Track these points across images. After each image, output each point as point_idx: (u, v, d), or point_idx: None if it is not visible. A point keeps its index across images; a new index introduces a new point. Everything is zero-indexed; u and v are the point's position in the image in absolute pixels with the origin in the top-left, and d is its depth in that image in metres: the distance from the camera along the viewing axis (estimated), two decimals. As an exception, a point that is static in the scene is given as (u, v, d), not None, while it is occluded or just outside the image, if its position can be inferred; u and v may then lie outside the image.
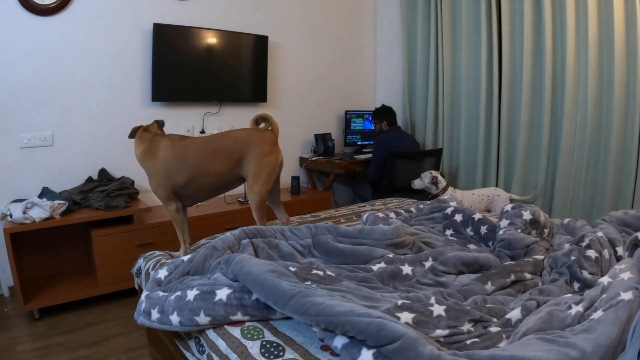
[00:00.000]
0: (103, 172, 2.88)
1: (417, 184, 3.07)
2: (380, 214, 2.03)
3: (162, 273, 1.53)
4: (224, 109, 3.43)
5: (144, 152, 1.96)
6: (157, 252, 1.87)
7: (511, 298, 1.35)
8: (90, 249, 2.57)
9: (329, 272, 1.43)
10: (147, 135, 2.01)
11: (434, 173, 3.02)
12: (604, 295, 1.13)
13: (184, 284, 1.43)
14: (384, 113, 3.51)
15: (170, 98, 3.13)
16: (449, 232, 1.94)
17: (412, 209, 2.21)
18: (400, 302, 1.19)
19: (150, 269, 1.73)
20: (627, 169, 2.82)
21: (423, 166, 3.33)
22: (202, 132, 3.32)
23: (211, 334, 1.26)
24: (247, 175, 1.98)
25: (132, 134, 2.04)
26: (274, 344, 1.15)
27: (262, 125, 2.11)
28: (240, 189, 3.26)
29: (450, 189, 3.01)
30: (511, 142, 3.42)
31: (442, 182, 3.00)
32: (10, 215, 2.30)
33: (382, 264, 1.55)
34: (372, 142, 4.17)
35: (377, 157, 3.37)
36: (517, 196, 3.15)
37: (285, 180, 3.32)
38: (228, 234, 1.62)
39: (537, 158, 3.26)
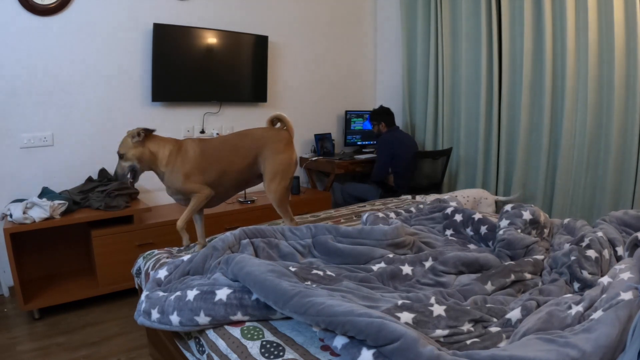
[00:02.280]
0: (103, 172, 2.88)
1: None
2: (380, 214, 2.03)
3: (162, 273, 1.53)
4: (224, 109, 3.43)
5: (173, 152, 1.94)
6: (157, 251, 1.87)
7: (511, 298, 1.35)
8: (90, 249, 2.57)
9: (329, 272, 1.43)
10: (166, 139, 1.98)
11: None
12: (604, 295, 1.13)
13: (184, 284, 1.42)
14: (382, 114, 3.51)
15: (170, 98, 3.13)
16: (449, 232, 1.94)
17: (412, 209, 2.21)
18: (400, 302, 1.19)
19: (150, 269, 1.73)
20: (627, 169, 2.82)
21: (438, 165, 3.36)
22: (202, 132, 3.32)
23: (211, 334, 1.26)
24: (264, 174, 2.02)
25: (138, 134, 1.89)
26: (274, 344, 1.15)
27: (278, 125, 2.15)
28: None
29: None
30: (511, 142, 3.42)
31: None
32: (10, 215, 2.30)
33: (382, 264, 1.55)
34: (372, 142, 4.17)
35: (383, 158, 3.36)
36: (502, 197, 3.16)
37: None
38: (228, 234, 1.62)
39: (537, 158, 3.26)
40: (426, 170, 3.32)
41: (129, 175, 1.94)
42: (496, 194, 3.58)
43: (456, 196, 2.93)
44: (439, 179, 3.50)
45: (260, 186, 2.21)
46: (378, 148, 3.44)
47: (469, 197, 2.94)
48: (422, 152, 3.25)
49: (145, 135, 1.92)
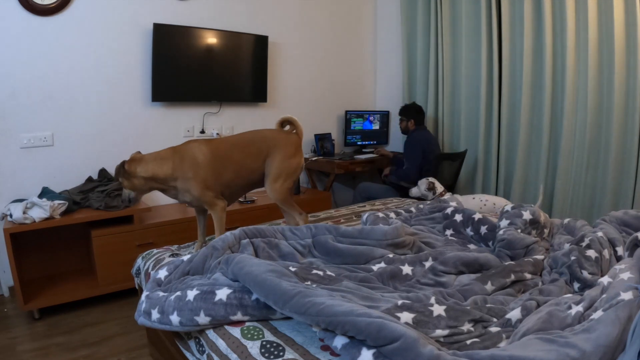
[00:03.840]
0: (103, 172, 2.88)
1: (414, 192, 2.96)
2: (380, 214, 2.03)
3: (162, 273, 1.53)
4: (224, 109, 3.43)
5: (176, 164, 1.86)
6: (155, 250, 1.87)
7: (511, 298, 1.35)
8: (90, 249, 2.57)
9: (329, 272, 1.43)
10: (161, 154, 1.90)
11: (430, 179, 2.92)
12: (604, 295, 1.13)
13: (184, 284, 1.43)
14: (414, 111, 3.41)
15: (170, 98, 3.13)
16: (449, 232, 1.94)
17: (412, 209, 2.21)
18: (400, 302, 1.19)
19: (150, 269, 1.73)
20: (627, 169, 2.82)
21: (454, 167, 3.30)
22: (202, 132, 3.32)
23: (211, 334, 1.26)
24: (268, 173, 2.01)
25: (119, 172, 1.84)
26: (274, 344, 1.15)
27: (287, 127, 2.15)
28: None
29: (449, 194, 2.86)
30: (511, 142, 3.42)
31: (439, 188, 2.89)
32: (10, 215, 2.30)
33: (382, 264, 1.55)
34: (371, 142, 4.17)
35: (415, 157, 3.21)
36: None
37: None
38: (228, 233, 1.62)
39: (537, 158, 3.26)
40: (443, 173, 3.24)
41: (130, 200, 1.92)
42: (496, 194, 3.58)
43: (473, 198, 2.78)
44: (453, 181, 3.41)
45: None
46: (409, 147, 3.30)
47: (487, 201, 2.73)
48: (443, 154, 3.18)
49: (128, 167, 1.82)
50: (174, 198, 1.98)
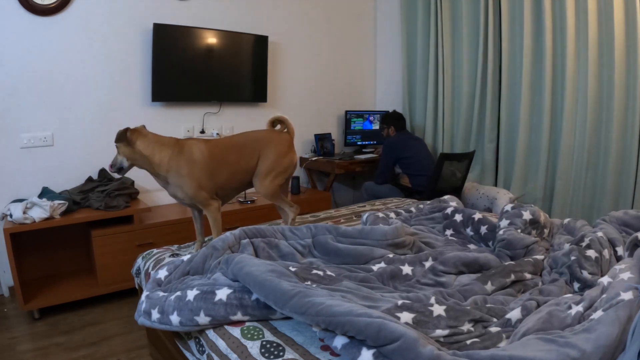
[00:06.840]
0: (103, 172, 2.88)
1: None
2: (380, 214, 2.03)
3: (162, 273, 1.53)
4: (224, 109, 3.43)
5: (173, 155, 1.86)
6: (155, 250, 1.87)
7: (511, 298, 1.35)
8: (90, 249, 2.57)
9: (329, 272, 1.43)
10: (163, 140, 1.89)
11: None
12: (604, 295, 1.13)
13: (184, 284, 1.43)
14: (393, 119, 3.48)
15: (170, 98, 3.13)
16: (449, 232, 1.94)
17: (412, 209, 2.21)
18: (400, 302, 1.19)
19: (150, 269, 1.73)
20: (627, 169, 2.82)
21: (460, 168, 3.28)
22: (202, 132, 3.32)
23: (211, 334, 1.26)
24: (259, 170, 2.03)
25: (120, 137, 1.83)
26: (274, 344, 1.15)
27: (278, 127, 2.17)
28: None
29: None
30: (511, 142, 3.42)
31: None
32: (10, 215, 2.30)
33: (382, 264, 1.56)
34: (371, 142, 4.17)
35: (384, 161, 3.32)
36: (515, 194, 3.15)
37: (285, 180, 3.31)
38: (228, 233, 1.62)
39: (537, 158, 3.26)
40: (447, 173, 3.20)
41: (117, 169, 1.89)
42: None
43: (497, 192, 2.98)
44: (460, 183, 3.34)
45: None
46: (382, 151, 3.41)
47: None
48: (446, 154, 3.16)
49: (130, 135, 1.82)
50: (163, 187, 1.96)
